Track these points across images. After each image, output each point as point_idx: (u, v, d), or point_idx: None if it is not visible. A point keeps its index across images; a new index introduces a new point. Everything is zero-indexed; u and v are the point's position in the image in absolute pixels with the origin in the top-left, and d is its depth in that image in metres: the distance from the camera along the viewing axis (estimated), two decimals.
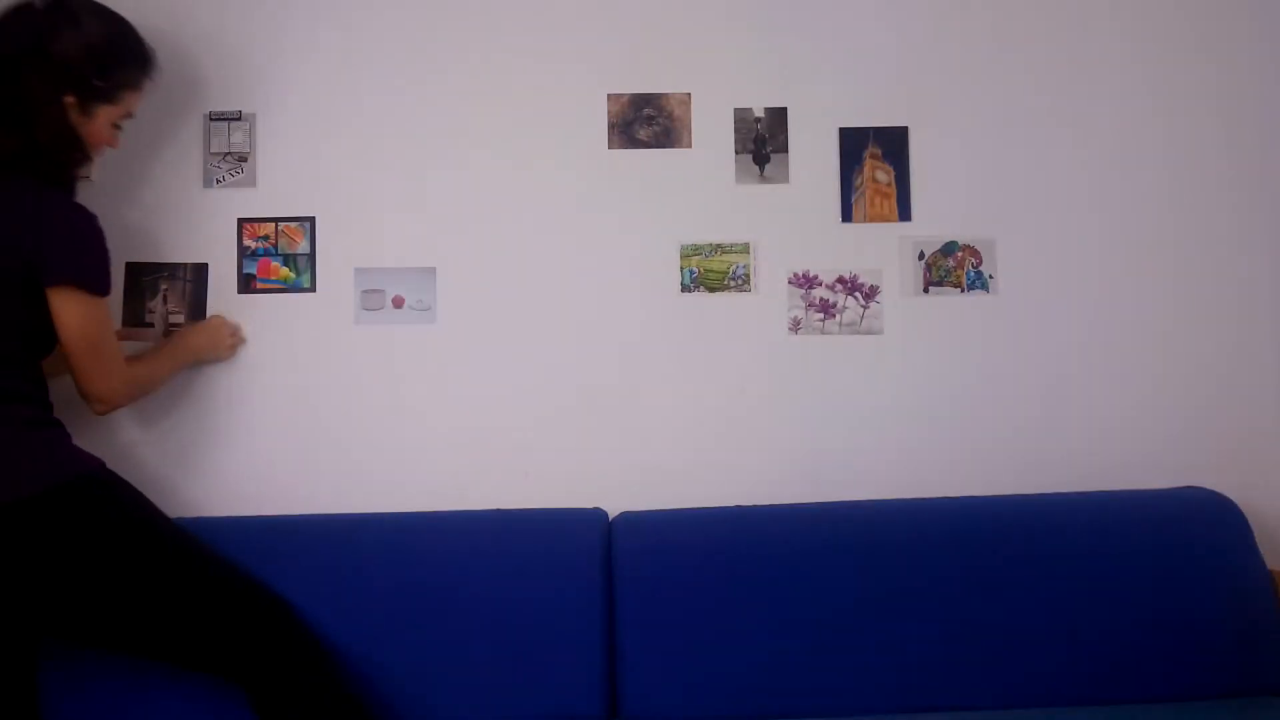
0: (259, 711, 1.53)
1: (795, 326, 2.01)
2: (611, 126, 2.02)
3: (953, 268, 2.04)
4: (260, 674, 1.54)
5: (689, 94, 2.03)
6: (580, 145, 2.01)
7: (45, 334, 1.58)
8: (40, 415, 1.57)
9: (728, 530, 1.82)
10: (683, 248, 2.01)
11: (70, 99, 1.62)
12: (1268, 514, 1.98)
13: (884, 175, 2.04)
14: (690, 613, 1.74)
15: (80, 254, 1.59)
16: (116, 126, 1.72)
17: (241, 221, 1.97)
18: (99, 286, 1.61)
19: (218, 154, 1.98)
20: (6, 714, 1.54)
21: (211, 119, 1.98)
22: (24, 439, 1.52)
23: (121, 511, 1.56)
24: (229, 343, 1.93)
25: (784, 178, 2.03)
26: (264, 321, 1.96)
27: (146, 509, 1.61)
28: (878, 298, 2.02)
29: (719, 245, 2.02)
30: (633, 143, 2.02)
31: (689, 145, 2.02)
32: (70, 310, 1.57)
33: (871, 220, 2.03)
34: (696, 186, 2.02)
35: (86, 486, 1.53)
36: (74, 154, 1.64)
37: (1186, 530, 1.84)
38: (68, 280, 1.56)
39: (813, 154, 2.03)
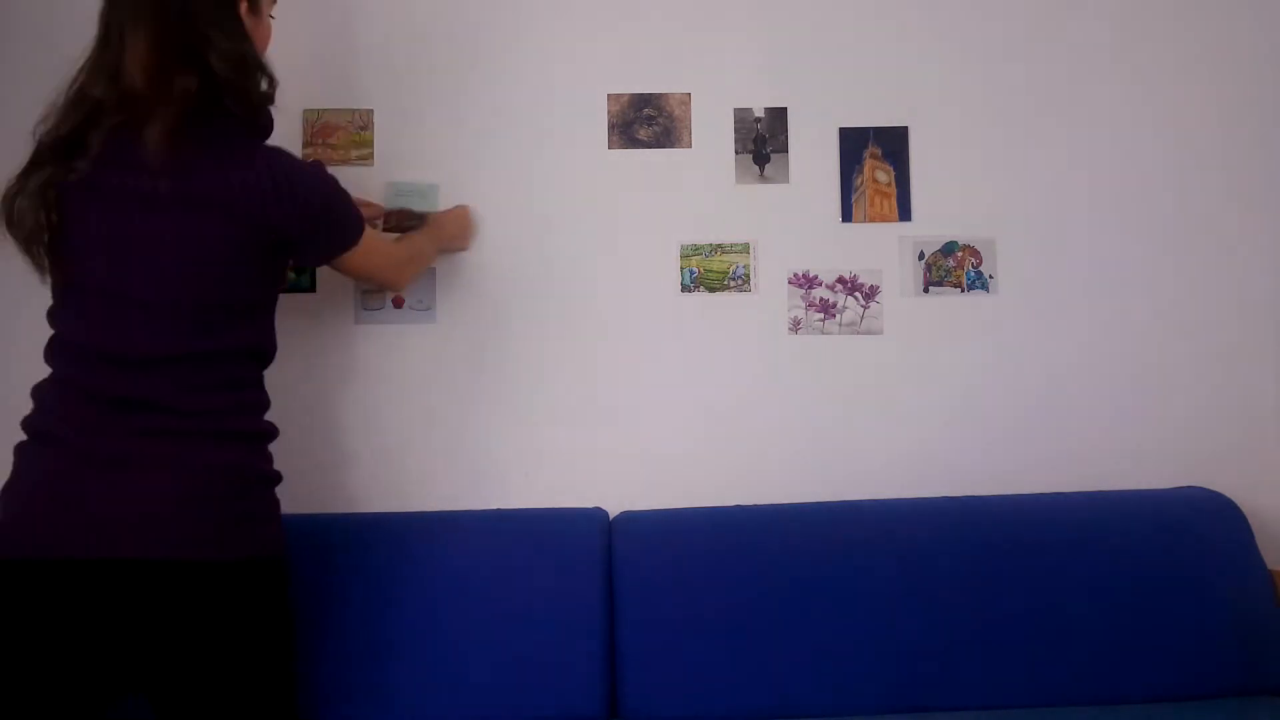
0: None
1: (795, 326, 2.01)
2: (611, 126, 2.02)
3: (953, 268, 2.04)
4: None
5: (689, 94, 2.03)
6: (580, 145, 2.02)
7: (271, 297, 1.52)
8: (271, 473, 1.48)
9: (728, 530, 1.82)
10: (683, 248, 2.01)
11: (243, 4, 1.42)
12: (1268, 514, 1.99)
13: (884, 175, 2.04)
14: (690, 613, 1.74)
15: (332, 225, 1.51)
16: (271, 17, 1.54)
17: None
18: (357, 235, 1.55)
19: None
20: None
21: None
22: (256, 499, 1.43)
23: (286, 602, 1.45)
24: (471, 231, 1.98)
25: (784, 178, 2.03)
26: None
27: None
28: (878, 298, 2.02)
29: (719, 245, 2.02)
30: (633, 143, 2.02)
31: (689, 145, 2.02)
32: (346, 266, 1.59)
33: (871, 220, 2.03)
34: (696, 186, 2.02)
35: (280, 567, 1.43)
36: (258, 79, 1.41)
37: (1186, 530, 1.84)
38: (334, 254, 1.55)
39: (813, 154, 2.04)
